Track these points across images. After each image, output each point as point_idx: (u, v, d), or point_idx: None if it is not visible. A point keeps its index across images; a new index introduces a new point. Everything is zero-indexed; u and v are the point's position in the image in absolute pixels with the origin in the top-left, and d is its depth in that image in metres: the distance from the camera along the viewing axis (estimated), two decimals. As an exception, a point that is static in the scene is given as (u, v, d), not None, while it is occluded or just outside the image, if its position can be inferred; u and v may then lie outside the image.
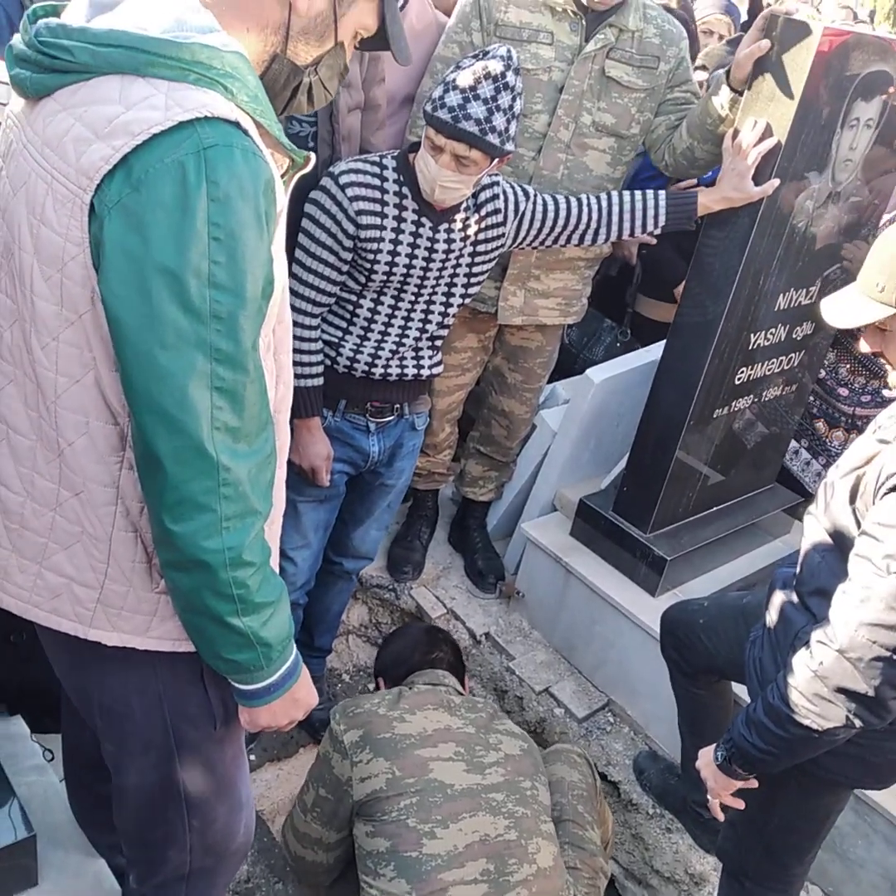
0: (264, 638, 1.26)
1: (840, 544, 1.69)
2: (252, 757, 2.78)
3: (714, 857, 2.35)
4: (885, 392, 1.68)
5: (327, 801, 1.86)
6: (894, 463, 1.55)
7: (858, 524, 1.64)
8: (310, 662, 2.84)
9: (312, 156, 1.29)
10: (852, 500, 1.67)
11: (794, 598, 1.82)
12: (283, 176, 1.26)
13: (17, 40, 1.17)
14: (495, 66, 1.92)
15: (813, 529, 1.80)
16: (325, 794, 1.86)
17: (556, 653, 2.96)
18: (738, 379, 2.59)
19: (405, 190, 2.10)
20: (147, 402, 1.11)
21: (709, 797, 1.90)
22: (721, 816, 1.89)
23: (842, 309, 1.61)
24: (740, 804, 1.86)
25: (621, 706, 2.79)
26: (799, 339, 2.71)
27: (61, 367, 1.19)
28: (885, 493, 1.55)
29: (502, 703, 2.87)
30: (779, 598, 1.87)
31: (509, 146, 2.00)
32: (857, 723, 1.57)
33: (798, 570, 1.84)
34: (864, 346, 1.64)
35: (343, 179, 2.07)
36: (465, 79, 1.92)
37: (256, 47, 1.20)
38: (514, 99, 1.95)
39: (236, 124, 1.10)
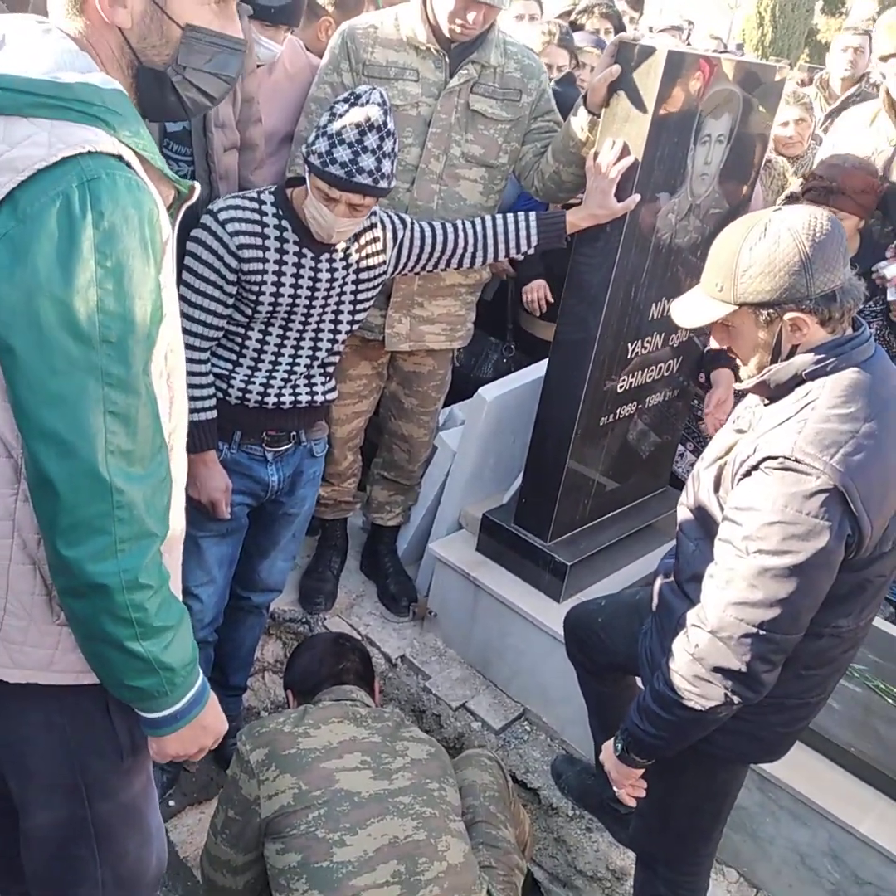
0: (166, 662, 1.26)
1: (709, 532, 1.78)
2: (172, 803, 2.74)
3: (631, 850, 2.41)
4: (735, 385, 1.79)
5: (235, 821, 1.86)
6: (746, 450, 1.66)
7: (723, 511, 1.74)
8: (226, 702, 2.77)
9: (197, 185, 1.33)
10: (716, 488, 1.77)
11: (674, 586, 1.91)
12: (169, 208, 1.30)
13: None
14: (376, 115, 1.99)
15: (684, 519, 1.89)
16: (233, 815, 1.87)
17: (471, 668, 3.00)
18: (620, 387, 2.71)
19: (285, 223, 2.16)
20: (40, 428, 1.13)
21: (615, 788, 1.96)
22: (633, 804, 1.96)
23: (687, 310, 1.72)
24: (642, 792, 1.93)
25: (537, 714, 2.85)
26: (675, 345, 2.85)
27: None
28: (740, 479, 1.66)
29: (421, 723, 2.90)
30: (661, 587, 1.96)
31: (393, 182, 2.10)
32: (736, 699, 1.66)
33: (675, 559, 1.93)
34: (713, 343, 1.76)
35: (223, 215, 2.12)
36: (349, 132, 1.98)
37: (117, 77, 1.24)
38: (394, 141, 2.05)
39: (119, 158, 1.14)
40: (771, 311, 1.60)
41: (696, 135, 2.46)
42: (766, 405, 1.71)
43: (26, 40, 1.19)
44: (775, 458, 1.56)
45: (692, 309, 1.70)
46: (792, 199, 2.94)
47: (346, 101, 2.03)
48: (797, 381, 1.64)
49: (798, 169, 3.99)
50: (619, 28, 4.34)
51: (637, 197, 2.38)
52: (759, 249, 1.59)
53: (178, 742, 1.37)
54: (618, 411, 2.76)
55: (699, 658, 1.66)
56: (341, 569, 3.27)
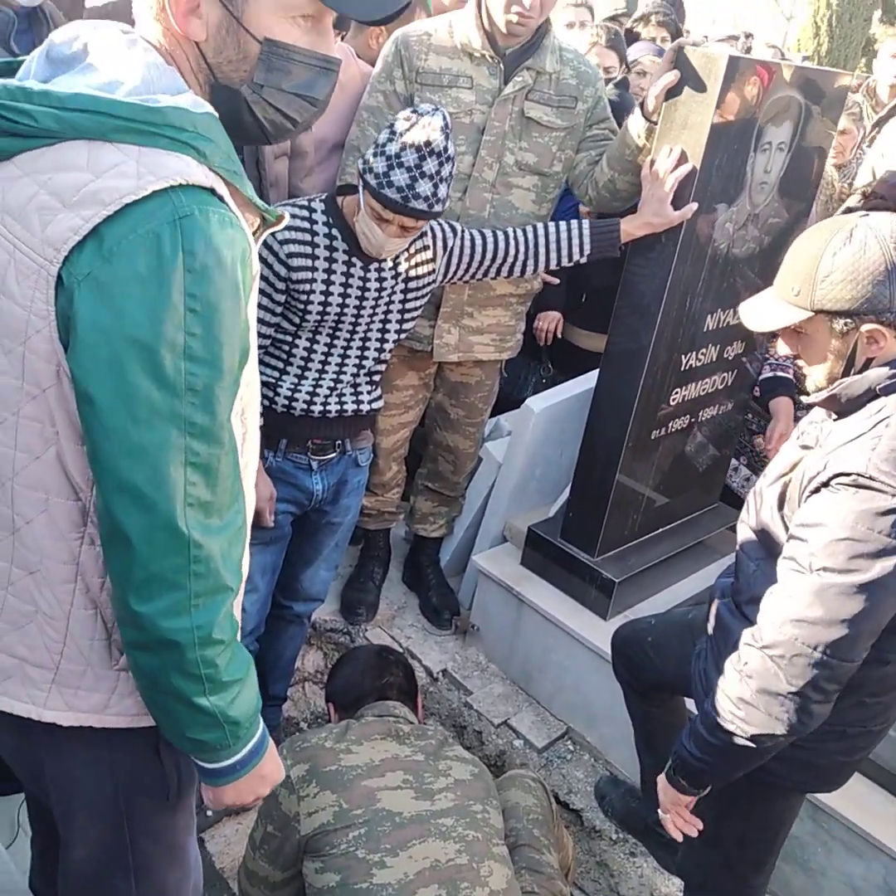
0: (232, 716, 1.21)
1: (771, 551, 1.72)
2: (209, 813, 2.71)
3: (678, 877, 2.33)
4: (803, 398, 1.72)
5: (274, 837, 1.83)
6: (815, 467, 1.59)
7: (787, 530, 1.67)
8: (266, 712, 2.78)
9: (287, 214, 1.28)
10: (780, 506, 1.70)
11: (732, 607, 1.84)
12: (254, 233, 1.24)
13: None
14: (437, 140, 1.94)
15: (745, 538, 1.83)
16: (272, 830, 1.84)
17: (514, 684, 2.95)
18: (673, 400, 2.64)
19: (335, 231, 2.14)
20: (117, 479, 1.07)
21: (660, 812, 1.89)
22: (675, 832, 1.88)
23: (759, 313, 1.65)
24: (690, 829, 1.84)
25: (580, 733, 2.78)
26: (730, 358, 2.78)
27: (20, 442, 1.14)
28: (808, 496, 1.59)
29: (461, 739, 2.85)
30: (718, 608, 1.90)
31: (448, 204, 2.07)
32: (780, 729, 1.57)
33: (734, 579, 1.87)
34: (782, 349, 1.69)
35: (272, 223, 2.10)
36: (409, 156, 1.93)
37: (196, 93, 1.15)
38: (452, 165, 2.01)
39: (212, 191, 1.07)
40: (848, 320, 1.54)
41: (757, 142, 2.40)
42: (834, 420, 1.65)
43: (110, 53, 1.10)
44: (848, 474, 1.50)
45: (764, 312, 1.63)
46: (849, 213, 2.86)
47: (407, 119, 1.97)
48: (870, 396, 1.57)
49: (842, 179, 3.90)
50: (676, 36, 4.29)
51: (694, 205, 2.32)
52: (843, 255, 1.52)
53: (235, 792, 1.31)
54: (670, 424, 2.70)
55: (747, 677, 1.58)
56: (383, 580, 3.24)
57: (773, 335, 1.68)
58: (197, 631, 1.13)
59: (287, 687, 2.85)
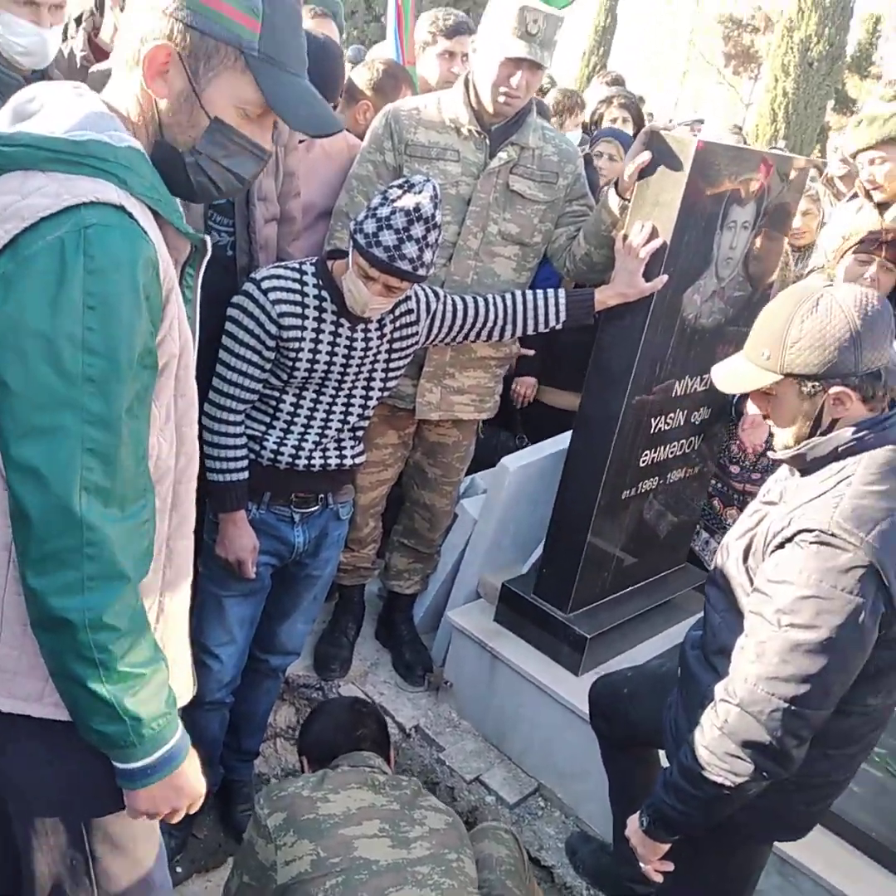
0: (132, 711, 1.25)
1: (736, 603, 1.80)
2: (179, 869, 2.68)
3: (649, 933, 2.35)
4: (770, 454, 1.82)
5: (250, 887, 1.83)
6: (780, 522, 1.68)
7: (751, 582, 1.75)
8: (237, 767, 2.81)
9: (208, 239, 1.40)
10: (745, 559, 1.79)
11: (701, 657, 1.91)
12: (189, 262, 1.39)
13: None
14: (426, 207, 2.05)
15: (712, 591, 1.91)
16: (248, 880, 1.83)
17: (486, 741, 2.98)
18: (643, 461, 2.74)
19: (324, 294, 2.23)
20: (18, 459, 1.17)
21: (641, 864, 1.94)
22: (660, 879, 1.92)
23: (730, 375, 1.76)
24: (670, 866, 1.90)
25: (551, 789, 2.81)
26: (697, 423, 2.90)
27: None
28: (772, 551, 1.68)
29: (434, 795, 2.85)
30: (688, 659, 1.96)
31: (432, 270, 2.18)
32: (765, 775, 1.65)
33: (703, 631, 1.94)
34: (752, 408, 1.79)
35: (265, 284, 2.19)
36: (398, 219, 2.04)
37: (142, 140, 1.33)
38: (439, 233, 2.12)
39: (121, 208, 1.20)
40: (816, 383, 1.64)
41: (723, 221, 2.55)
42: (799, 477, 1.74)
43: (60, 104, 1.28)
44: (811, 531, 1.58)
45: (735, 375, 1.73)
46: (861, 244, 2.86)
47: (400, 187, 2.09)
48: (834, 456, 1.67)
49: (800, 258, 4.07)
50: (638, 115, 4.49)
51: (665, 277, 2.45)
52: (810, 323, 1.62)
53: (148, 799, 1.34)
54: (640, 485, 2.80)
55: (729, 733, 1.65)
56: (357, 635, 3.27)
57: (742, 397, 1.78)
58: (87, 612, 1.19)
59: (259, 742, 2.85)
